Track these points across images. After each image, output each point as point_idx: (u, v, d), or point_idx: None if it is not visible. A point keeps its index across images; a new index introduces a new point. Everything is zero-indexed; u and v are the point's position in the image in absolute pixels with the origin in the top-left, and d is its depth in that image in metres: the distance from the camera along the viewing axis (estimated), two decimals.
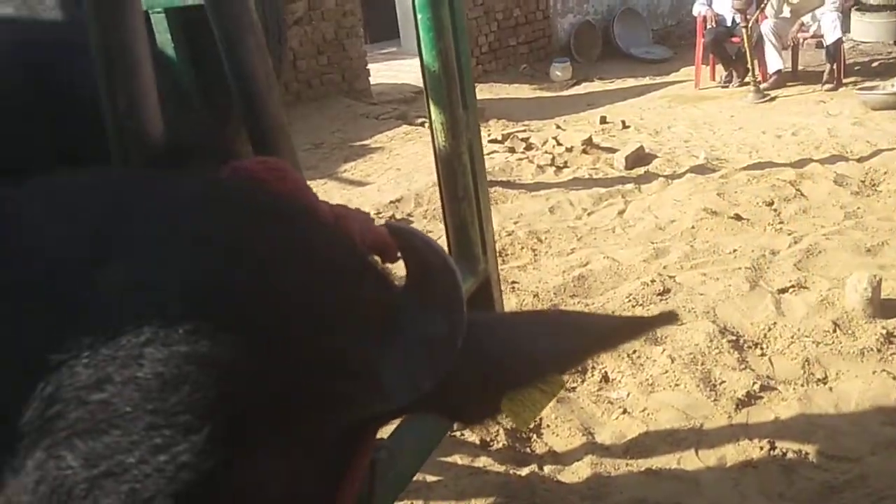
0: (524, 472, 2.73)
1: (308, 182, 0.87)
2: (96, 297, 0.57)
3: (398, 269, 0.82)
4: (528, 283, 3.97)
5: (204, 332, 0.55)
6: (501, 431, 2.94)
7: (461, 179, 1.44)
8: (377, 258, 0.86)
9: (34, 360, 0.56)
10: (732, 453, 2.72)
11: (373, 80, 8.91)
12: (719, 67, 8.72)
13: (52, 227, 0.62)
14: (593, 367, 3.29)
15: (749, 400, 2.96)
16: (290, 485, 0.62)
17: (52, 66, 1.07)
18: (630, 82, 9.28)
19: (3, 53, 1.13)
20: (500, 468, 2.76)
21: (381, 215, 4.90)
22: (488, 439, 2.91)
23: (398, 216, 4.93)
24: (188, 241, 0.60)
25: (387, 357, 0.64)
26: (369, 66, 8.87)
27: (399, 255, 0.88)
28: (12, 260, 0.60)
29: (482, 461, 2.81)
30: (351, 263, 0.67)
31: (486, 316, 0.75)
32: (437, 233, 4.49)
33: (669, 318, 0.78)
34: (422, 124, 7.19)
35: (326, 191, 5.39)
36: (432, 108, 1.40)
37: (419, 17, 1.38)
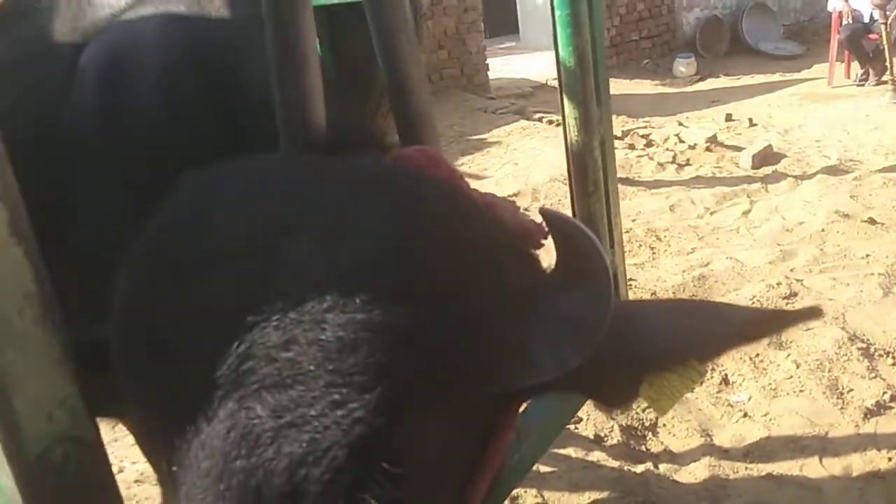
0: (639, 469, 2.72)
1: None
2: (286, 266, 0.64)
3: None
4: (645, 282, 3.93)
5: (379, 302, 0.61)
6: (616, 427, 2.94)
7: (592, 175, 1.47)
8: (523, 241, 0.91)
9: (231, 321, 0.63)
10: (858, 463, 2.63)
11: (491, 74, 8.96)
12: (855, 65, 8.32)
13: (248, 201, 0.70)
14: (713, 369, 3.23)
15: (878, 409, 2.85)
16: (445, 449, 0.68)
17: (222, 62, 1.17)
18: (758, 79, 8.97)
19: (177, 51, 1.23)
20: (615, 464, 2.76)
21: None
22: (602, 434, 2.92)
23: None
24: (366, 218, 0.66)
25: (538, 333, 0.69)
26: (488, 60, 8.93)
27: (544, 241, 0.92)
28: (213, 231, 0.68)
29: (596, 455, 2.82)
30: (506, 245, 0.72)
31: (629, 302, 0.78)
32: None
33: (813, 312, 0.79)
34: (539, 119, 7.19)
35: None
36: (566, 103, 1.43)
37: (557, 13, 1.42)
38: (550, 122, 6.91)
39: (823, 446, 2.72)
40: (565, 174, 5.25)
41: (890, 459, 2.58)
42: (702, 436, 2.86)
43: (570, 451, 2.84)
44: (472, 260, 0.67)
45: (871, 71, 8.12)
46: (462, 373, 0.64)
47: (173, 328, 0.65)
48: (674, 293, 3.78)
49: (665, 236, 4.43)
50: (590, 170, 1.47)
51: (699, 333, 0.77)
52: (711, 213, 4.75)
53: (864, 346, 3.22)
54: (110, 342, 0.71)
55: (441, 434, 0.66)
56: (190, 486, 0.64)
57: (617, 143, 6.08)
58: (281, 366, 0.61)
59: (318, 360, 0.61)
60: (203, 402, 0.63)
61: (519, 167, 5.83)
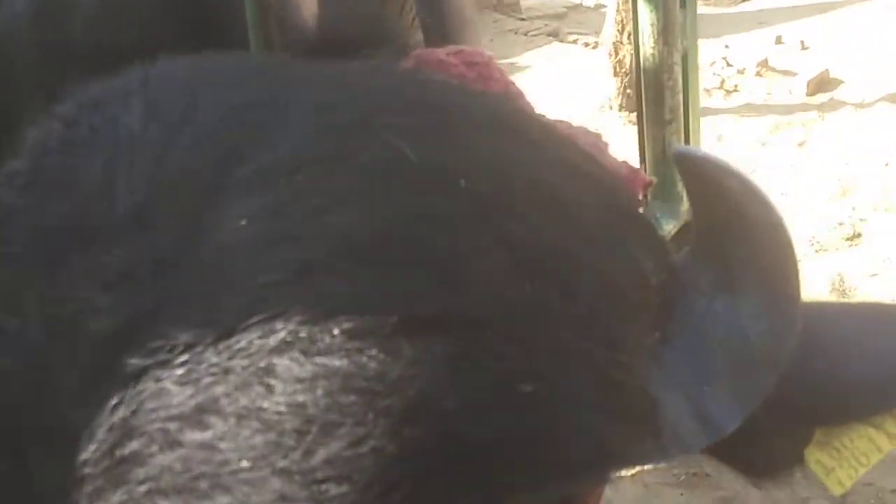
0: None
1: None
2: (207, 255, 0.34)
3: None
4: None
5: (376, 334, 0.32)
6: None
7: (670, 98, 1.15)
8: None
9: (103, 357, 0.34)
10: None
11: None
12: None
13: (152, 135, 0.39)
14: None
15: None
16: None
17: None
18: None
19: None
20: None
21: None
22: None
23: None
24: (356, 162, 0.35)
25: (667, 375, 0.39)
26: None
27: (645, 194, 0.62)
28: (90, 187, 0.38)
29: None
30: (614, 211, 0.40)
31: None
32: None
33: None
34: (575, 42, 6.76)
35: None
36: (642, 5, 1.10)
37: None
38: (587, 44, 6.48)
39: None
40: (606, 103, 4.88)
41: None
42: None
43: None
44: (555, 237, 0.36)
45: None
46: (523, 467, 0.34)
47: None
48: None
49: None
50: (667, 92, 1.15)
51: None
52: (763, 145, 4.39)
53: None
54: None
55: None
56: None
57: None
58: (189, 454, 0.32)
59: (258, 449, 0.31)
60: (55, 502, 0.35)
61: (555, 95, 5.44)
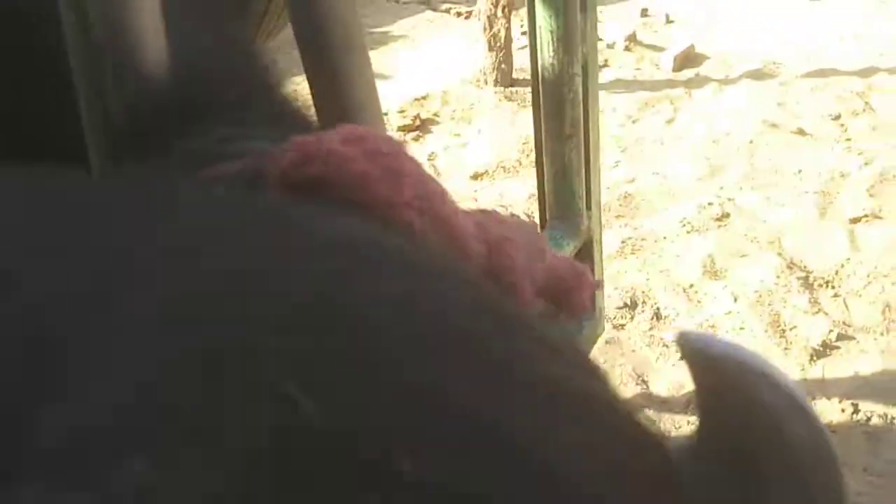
0: None
1: None
2: None
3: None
4: None
5: None
6: None
7: (570, 110, 1.05)
8: (553, 303, 0.49)
9: None
10: None
11: None
12: None
13: None
14: (644, 302, 2.96)
15: (825, 350, 2.64)
16: None
17: None
18: None
19: None
20: None
21: (404, 114, 4.47)
22: None
23: (423, 116, 4.49)
24: (240, 445, 0.22)
25: None
26: None
27: (589, 295, 0.50)
28: None
29: None
30: (611, 450, 0.28)
31: None
32: (465, 143, 4.09)
33: None
34: (447, 10, 6.62)
35: None
36: (540, 9, 0.99)
37: None
38: (459, 14, 6.37)
39: None
40: (478, 75, 4.76)
41: (843, 411, 2.37)
42: (637, 383, 2.60)
43: None
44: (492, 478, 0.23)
45: None
46: None
47: None
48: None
49: None
50: (568, 104, 1.04)
51: None
52: (633, 122, 4.42)
53: (804, 275, 3.00)
54: None
55: None
56: None
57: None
58: None
59: None
60: None
61: (427, 65, 5.31)
